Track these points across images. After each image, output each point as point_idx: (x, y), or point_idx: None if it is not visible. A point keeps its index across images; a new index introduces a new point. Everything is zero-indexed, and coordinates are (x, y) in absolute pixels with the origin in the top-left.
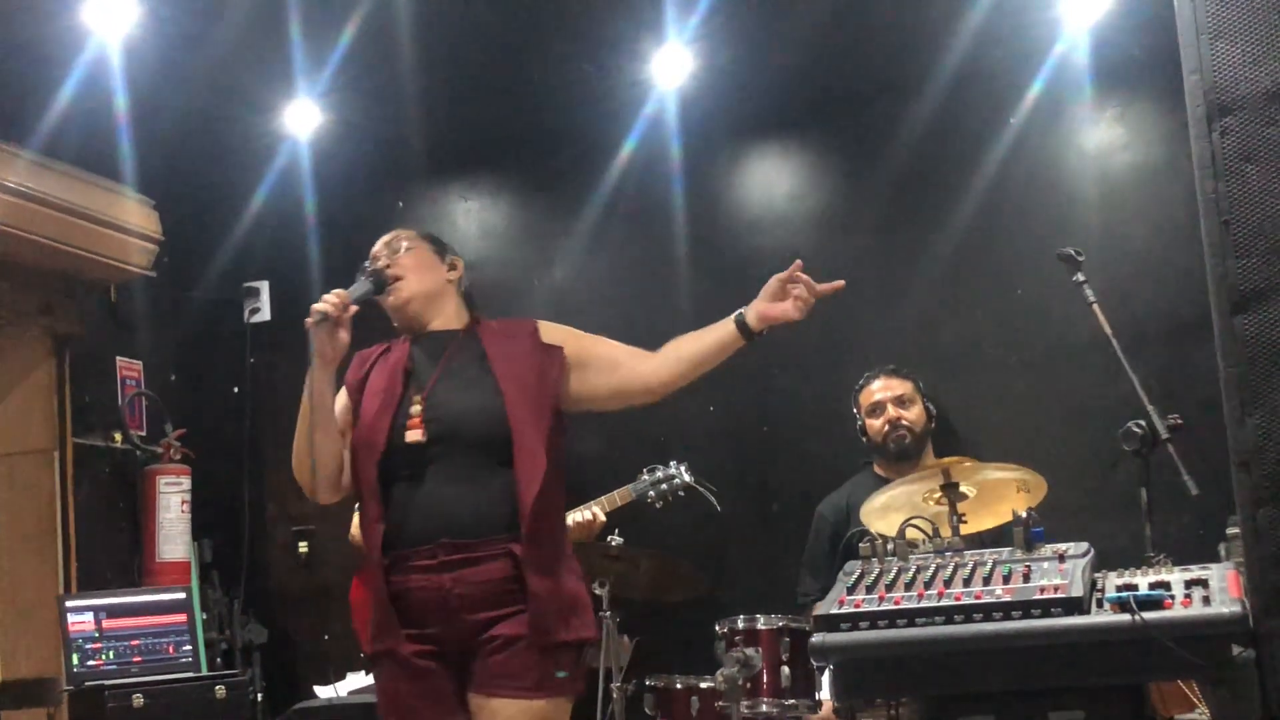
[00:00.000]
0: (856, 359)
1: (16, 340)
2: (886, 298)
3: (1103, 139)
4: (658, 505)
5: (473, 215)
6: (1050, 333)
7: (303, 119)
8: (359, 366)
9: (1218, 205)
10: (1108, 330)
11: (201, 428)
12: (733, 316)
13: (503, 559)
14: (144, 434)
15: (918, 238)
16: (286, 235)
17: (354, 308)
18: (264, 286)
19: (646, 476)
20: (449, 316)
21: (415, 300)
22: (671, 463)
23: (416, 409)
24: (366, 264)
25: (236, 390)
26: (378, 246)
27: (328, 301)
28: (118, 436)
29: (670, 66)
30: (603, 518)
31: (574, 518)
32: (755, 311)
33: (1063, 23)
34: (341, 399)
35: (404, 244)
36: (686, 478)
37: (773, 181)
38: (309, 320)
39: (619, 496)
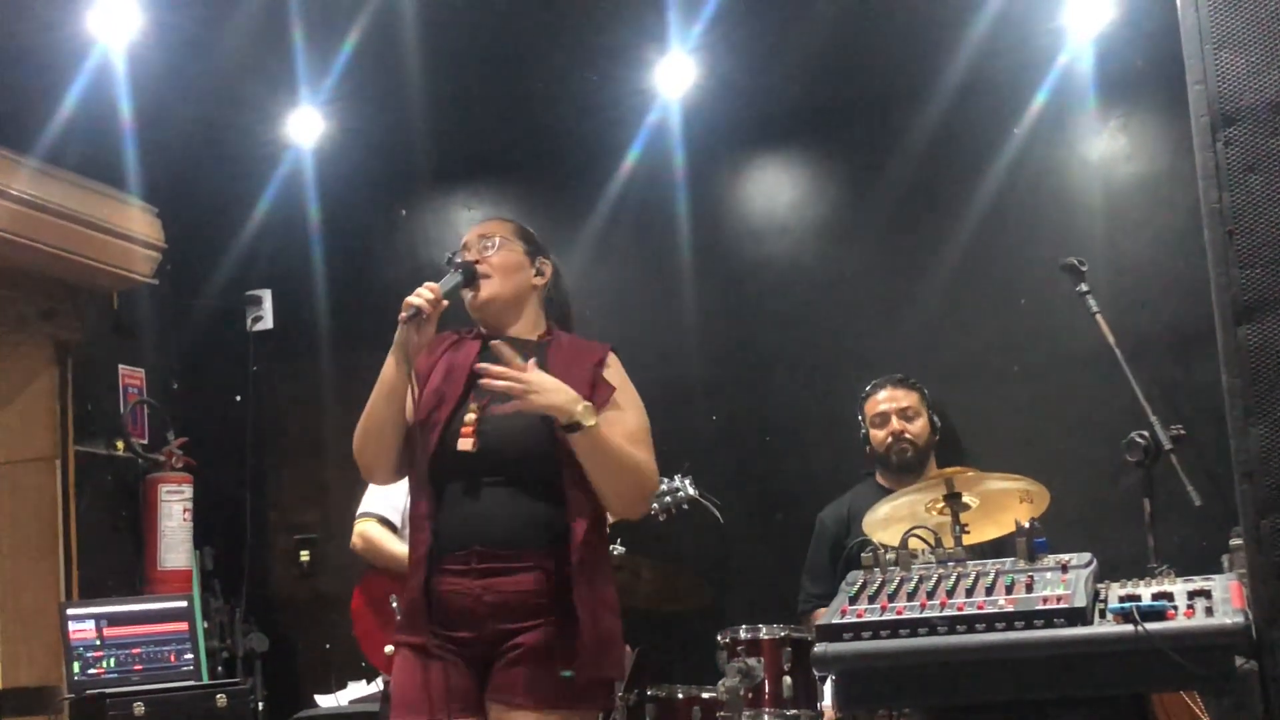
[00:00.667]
0: (859, 369)
1: (19, 347)
2: (889, 308)
3: (1106, 149)
4: (661, 518)
5: (476, 224)
6: (1053, 343)
7: (306, 127)
8: (429, 354)
9: (1222, 215)
10: (1111, 340)
11: (204, 436)
12: None
13: (535, 571)
14: (146, 442)
15: (921, 247)
16: (290, 243)
17: (444, 302)
18: (267, 295)
19: None
20: (526, 324)
21: (496, 302)
22: (676, 476)
23: (471, 417)
24: (456, 255)
25: (239, 399)
26: (471, 235)
27: (422, 296)
28: (120, 444)
29: (674, 76)
30: None
31: None
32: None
33: (1067, 33)
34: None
35: (497, 239)
36: (691, 491)
37: (776, 191)
38: (402, 315)
39: None
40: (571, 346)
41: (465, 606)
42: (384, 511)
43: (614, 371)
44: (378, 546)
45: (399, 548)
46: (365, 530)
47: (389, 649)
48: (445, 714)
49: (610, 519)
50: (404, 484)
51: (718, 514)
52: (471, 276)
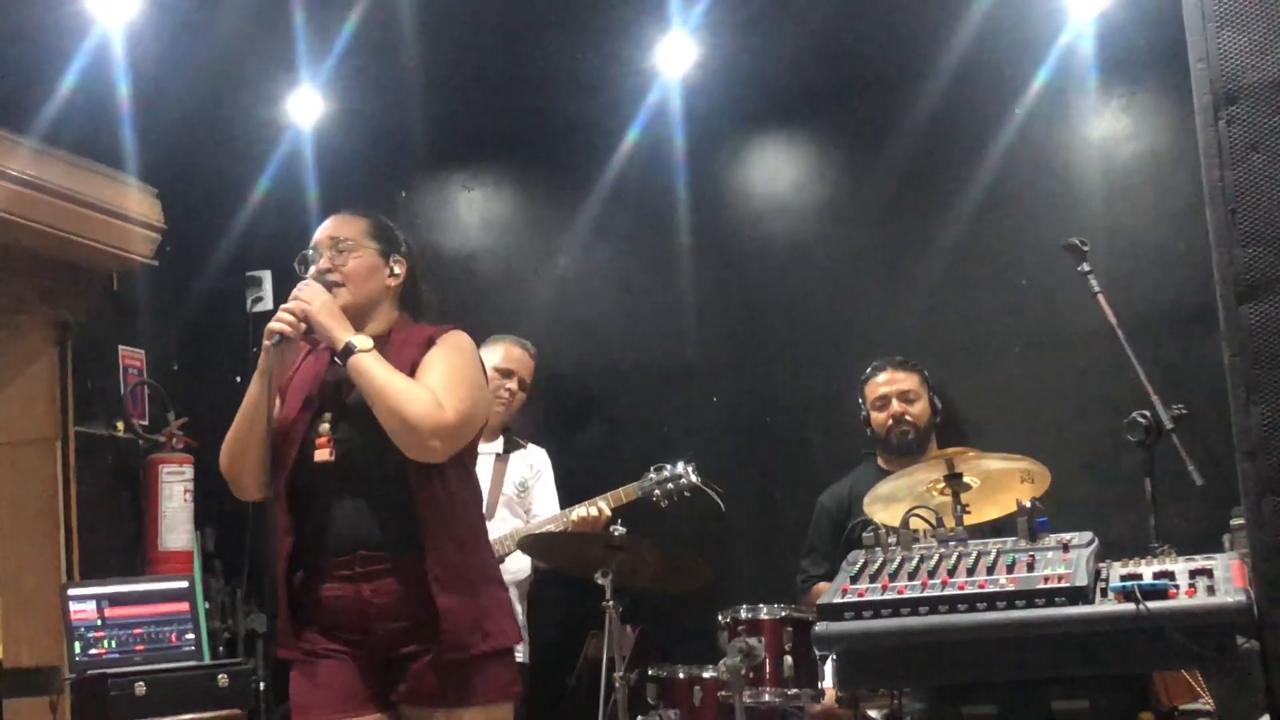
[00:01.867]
0: (860, 349)
1: (18, 328)
2: (890, 287)
3: (1108, 128)
4: (663, 504)
5: (475, 205)
6: (1055, 322)
7: (305, 107)
8: (286, 370)
9: (1224, 194)
10: (1112, 320)
11: (204, 417)
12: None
13: (417, 570)
14: (146, 423)
15: (922, 227)
16: (289, 224)
17: (304, 325)
18: (266, 276)
19: (653, 475)
20: (378, 324)
21: (348, 311)
22: (679, 463)
23: (325, 427)
24: (308, 255)
25: (239, 380)
26: (322, 236)
27: (284, 321)
28: (120, 425)
29: (674, 55)
30: (608, 512)
31: (579, 512)
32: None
33: (1068, 12)
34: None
35: (350, 243)
36: (693, 478)
37: (777, 171)
38: (267, 342)
39: (624, 494)
40: (404, 339)
41: (350, 609)
42: None
43: (441, 348)
44: None
45: None
46: None
47: None
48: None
49: (606, 503)
50: None
51: (720, 502)
52: (326, 286)
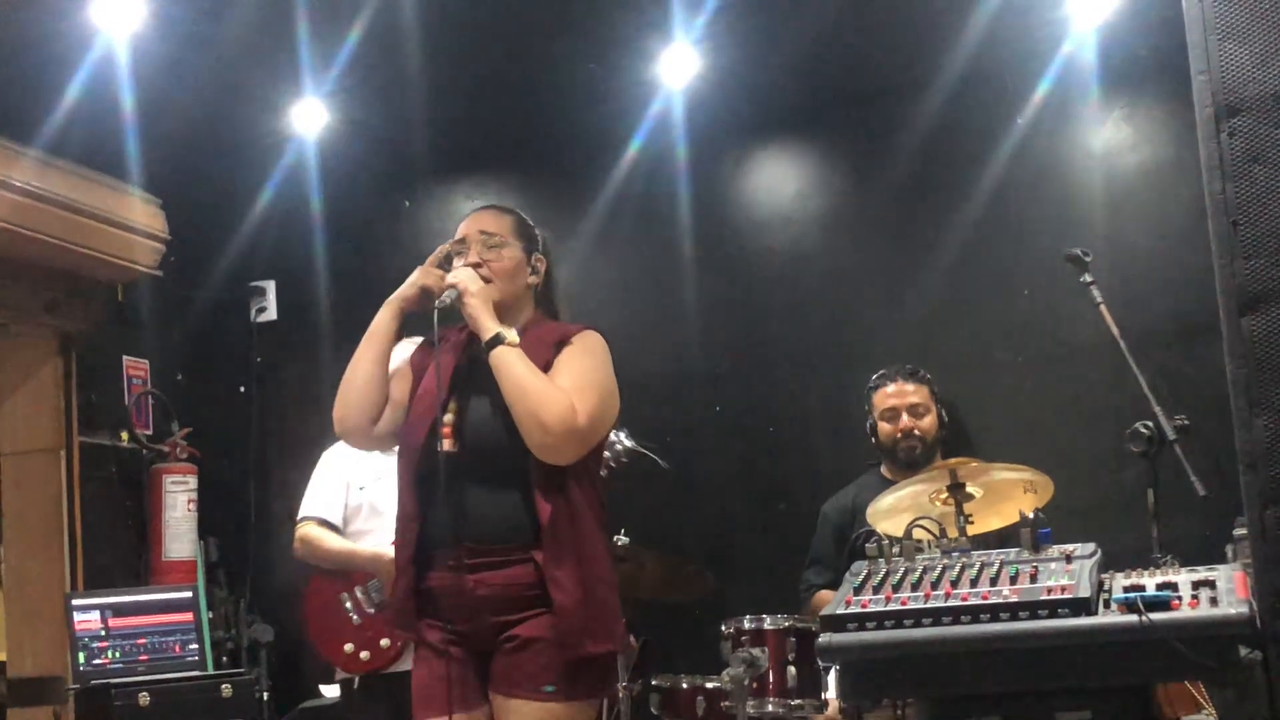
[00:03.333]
0: (863, 359)
1: (23, 339)
2: (893, 298)
3: (1110, 139)
4: (602, 473)
5: (475, 211)
6: (1057, 333)
7: (309, 118)
8: (424, 354)
9: (1226, 206)
10: (1115, 331)
11: (208, 427)
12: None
13: (525, 564)
14: (150, 433)
15: (924, 238)
16: (293, 234)
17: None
18: (270, 286)
19: None
20: (517, 321)
21: (494, 306)
22: (611, 431)
23: (450, 417)
24: (455, 248)
25: (242, 389)
26: (471, 229)
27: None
28: (124, 435)
29: (677, 66)
30: None
31: None
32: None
33: (1070, 23)
34: (403, 367)
35: (499, 239)
36: (627, 443)
37: (779, 181)
38: (445, 300)
39: None
40: (540, 336)
41: (458, 602)
42: (322, 513)
43: (576, 348)
44: (318, 546)
45: (340, 544)
46: (305, 534)
47: (348, 647)
48: (453, 708)
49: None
50: (341, 482)
51: (658, 459)
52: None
